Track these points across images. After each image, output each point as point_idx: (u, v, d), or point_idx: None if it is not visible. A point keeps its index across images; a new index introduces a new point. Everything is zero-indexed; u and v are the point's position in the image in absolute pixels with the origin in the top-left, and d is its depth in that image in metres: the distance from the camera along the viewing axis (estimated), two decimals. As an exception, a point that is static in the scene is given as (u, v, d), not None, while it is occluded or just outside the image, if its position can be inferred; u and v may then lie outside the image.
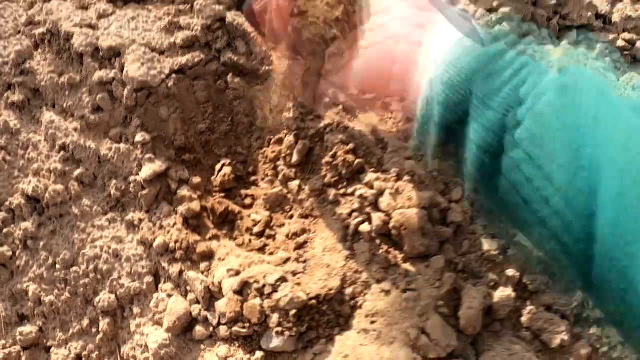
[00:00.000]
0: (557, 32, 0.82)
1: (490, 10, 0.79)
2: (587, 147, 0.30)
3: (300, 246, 0.62)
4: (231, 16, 0.71)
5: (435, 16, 0.43)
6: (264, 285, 0.58)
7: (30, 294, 0.68)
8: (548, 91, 0.33)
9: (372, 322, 0.59)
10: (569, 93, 0.32)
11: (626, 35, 0.83)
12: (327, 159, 0.65)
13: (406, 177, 0.64)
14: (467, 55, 0.37)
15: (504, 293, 0.62)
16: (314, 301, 0.57)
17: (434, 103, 0.38)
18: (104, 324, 0.65)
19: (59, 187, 0.68)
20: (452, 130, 0.37)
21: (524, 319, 0.63)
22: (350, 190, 0.63)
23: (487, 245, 0.63)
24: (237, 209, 0.65)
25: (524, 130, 0.33)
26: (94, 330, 0.66)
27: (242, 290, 0.58)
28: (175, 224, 0.63)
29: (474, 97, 0.35)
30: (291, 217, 0.65)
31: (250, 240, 0.64)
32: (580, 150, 0.30)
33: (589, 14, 0.82)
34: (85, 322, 0.66)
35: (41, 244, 0.68)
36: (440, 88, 0.37)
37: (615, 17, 0.85)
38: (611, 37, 0.83)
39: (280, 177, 0.66)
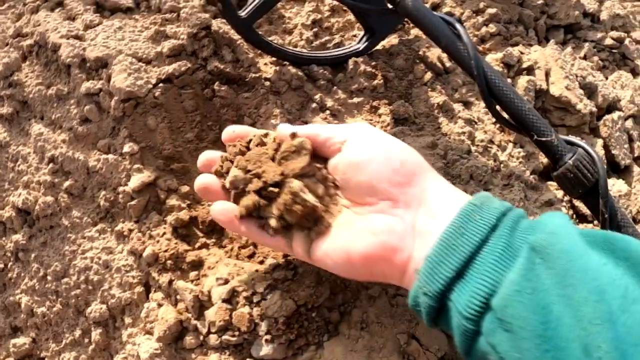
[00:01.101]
0: (545, 32, 0.82)
1: (477, 12, 0.79)
2: (550, 329, 0.33)
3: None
4: (217, 24, 0.71)
5: (418, 193, 0.45)
6: (252, 293, 0.58)
7: (22, 305, 0.68)
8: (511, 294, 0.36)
9: (362, 328, 0.59)
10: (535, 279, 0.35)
11: (614, 34, 0.83)
12: (314, 165, 0.65)
13: (394, 182, 0.64)
14: (444, 266, 0.39)
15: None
16: (302, 308, 0.57)
17: (420, 295, 0.41)
18: (95, 334, 0.65)
19: (49, 198, 0.68)
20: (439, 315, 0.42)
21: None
22: (338, 196, 0.63)
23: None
24: (225, 217, 0.65)
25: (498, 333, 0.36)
26: (86, 340, 0.66)
27: (231, 298, 0.58)
28: (164, 233, 0.64)
29: (452, 300, 0.39)
30: (280, 224, 0.65)
31: (239, 248, 0.64)
32: (546, 333, 0.34)
33: (577, 12, 0.82)
34: (78, 332, 0.66)
35: (32, 255, 0.68)
36: (422, 298, 0.41)
37: (604, 15, 0.85)
38: (599, 35, 0.83)
39: (268, 184, 0.66)
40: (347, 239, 0.46)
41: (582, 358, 0.32)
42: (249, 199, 0.49)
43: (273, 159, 0.50)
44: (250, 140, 0.53)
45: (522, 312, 0.34)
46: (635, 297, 0.32)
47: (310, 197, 0.47)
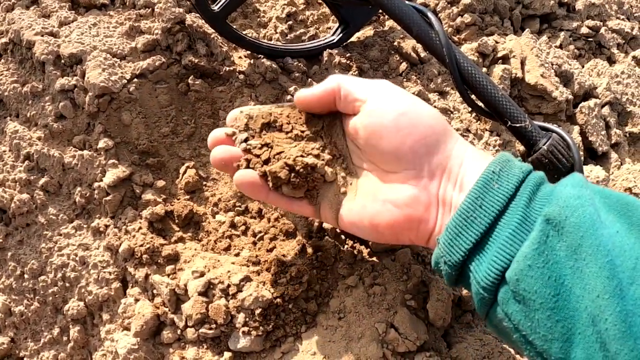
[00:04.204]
0: (520, 21, 0.82)
1: (452, 3, 0.79)
2: (560, 299, 0.35)
3: (265, 245, 0.62)
4: (191, 18, 0.71)
5: (443, 161, 0.45)
6: (228, 286, 0.58)
7: (0, 305, 0.67)
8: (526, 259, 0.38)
9: (340, 318, 0.59)
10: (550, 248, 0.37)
11: (590, 22, 0.84)
12: (290, 157, 0.64)
13: (370, 172, 0.64)
14: (463, 237, 0.41)
15: (471, 283, 0.62)
16: (279, 300, 0.57)
17: (441, 263, 0.44)
18: (74, 332, 0.64)
19: (25, 196, 0.67)
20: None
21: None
22: (314, 187, 0.63)
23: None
24: (202, 210, 0.65)
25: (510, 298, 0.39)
26: (64, 338, 0.66)
27: (207, 291, 0.58)
28: (140, 228, 0.63)
29: (472, 269, 0.41)
30: (256, 216, 0.65)
31: (215, 241, 0.63)
32: (556, 304, 0.36)
33: (552, 2, 0.82)
34: (56, 330, 0.66)
35: (9, 254, 0.68)
36: (443, 266, 0.43)
37: (579, 5, 0.85)
38: (575, 24, 0.83)
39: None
40: (373, 211, 0.47)
41: (590, 327, 0.34)
42: (283, 174, 0.50)
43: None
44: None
45: (534, 286, 0.36)
46: None
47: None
